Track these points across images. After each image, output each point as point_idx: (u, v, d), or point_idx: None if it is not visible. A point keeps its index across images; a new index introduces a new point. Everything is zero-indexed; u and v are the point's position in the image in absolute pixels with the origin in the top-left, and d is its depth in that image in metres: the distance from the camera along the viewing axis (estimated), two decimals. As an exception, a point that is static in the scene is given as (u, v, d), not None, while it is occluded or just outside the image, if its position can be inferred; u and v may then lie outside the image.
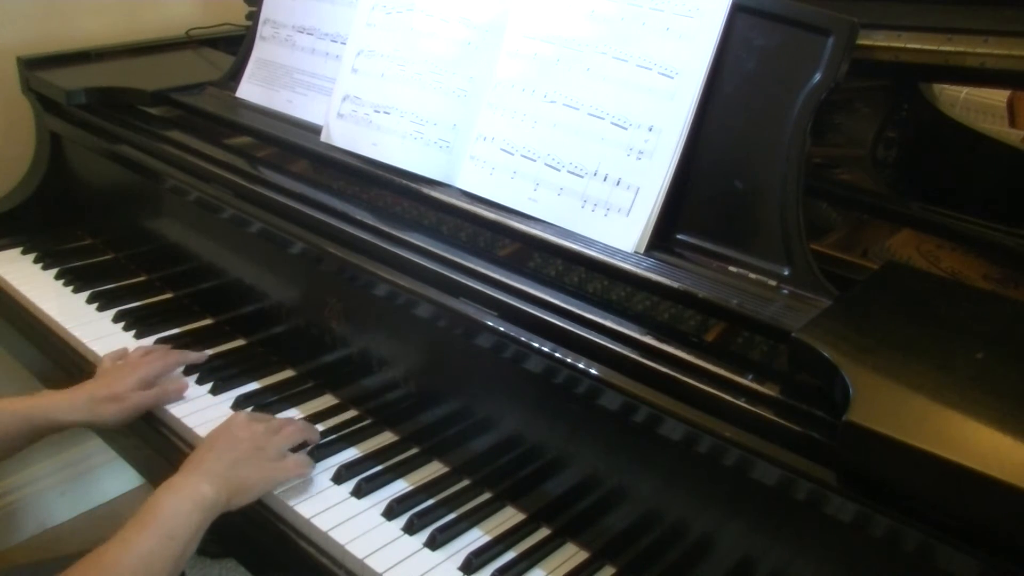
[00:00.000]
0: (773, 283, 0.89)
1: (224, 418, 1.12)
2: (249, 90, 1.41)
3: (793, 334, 0.76)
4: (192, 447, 1.11)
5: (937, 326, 0.79)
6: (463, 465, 1.05)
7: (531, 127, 1.03)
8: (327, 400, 1.18)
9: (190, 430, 1.11)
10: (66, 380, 1.32)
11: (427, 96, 1.13)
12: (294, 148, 1.26)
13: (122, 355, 1.22)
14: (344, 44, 1.25)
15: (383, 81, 1.17)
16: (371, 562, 0.91)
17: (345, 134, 1.20)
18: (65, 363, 1.32)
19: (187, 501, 0.90)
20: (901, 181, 1.21)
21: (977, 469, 0.61)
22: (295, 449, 1.05)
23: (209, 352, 1.26)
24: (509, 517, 0.99)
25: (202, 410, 1.15)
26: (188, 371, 1.22)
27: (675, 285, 0.88)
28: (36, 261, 1.50)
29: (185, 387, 1.17)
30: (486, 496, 1.02)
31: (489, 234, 1.05)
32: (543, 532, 0.97)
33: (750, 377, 0.79)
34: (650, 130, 0.95)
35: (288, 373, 1.24)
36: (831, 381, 0.71)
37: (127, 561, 0.84)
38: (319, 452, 1.06)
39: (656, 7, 0.96)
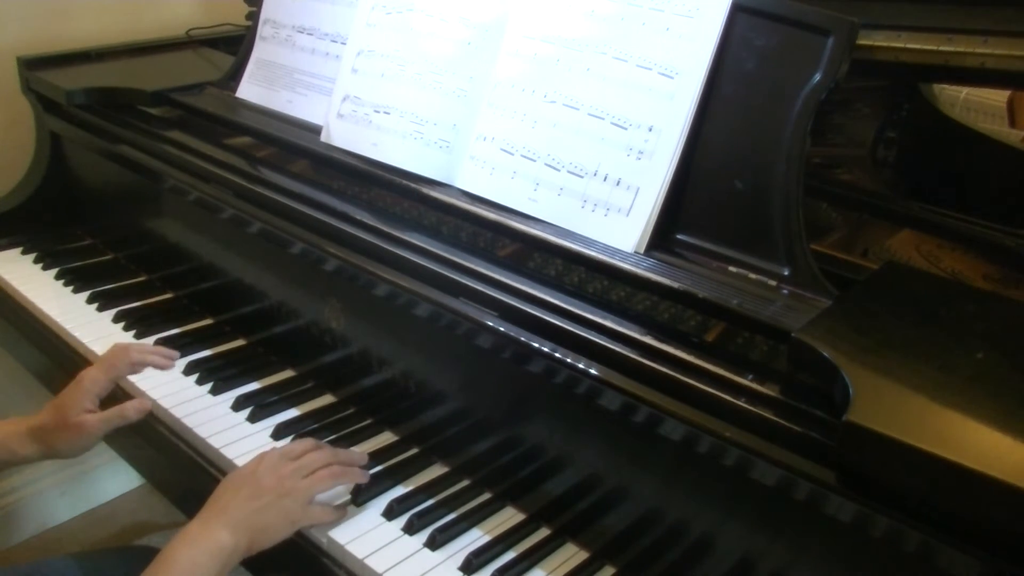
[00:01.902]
0: (773, 283, 0.89)
1: (222, 418, 1.13)
2: (249, 90, 1.41)
3: (793, 334, 0.76)
4: (192, 447, 1.11)
5: (937, 326, 0.79)
6: (463, 465, 1.05)
7: (531, 127, 1.03)
8: (327, 400, 1.18)
9: (190, 430, 1.11)
10: (66, 380, 1.32)
11: (427, 96, 1.13)
12: (294, 148, 1.26)
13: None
14: (344, 44, 1.25)
15: (383, 81, 1.17)
16: (371, 562, 0.91)
17: (345, 134, 1.20)
18: (65, 363, 1.32)
19: (205, 553, 0.85)
20: (901, 181, 1.21)
21: (977, 469, 0.61)
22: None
23: (190, 357, 1.23)
24: (509, 517, 0.99)
25: (202, 410, 1.14)
26: (188, 371, 1.22)
27: (675, 285, 0.88)
28: (36, 261, 1.50)
29: (147, 407, 1.08)
30: (486, 496, 1.02)
31: (489, 234, 1.05)
32: (543, 532, 0.97)
33: (750, 377, 0.79)
34: (650, 130, 0.95)
35: (288, 373, 1.24)
36: (831, 381, 0.71)
37: None
38: (319, 452, 1.06)
39: (656, 7, 0.96)
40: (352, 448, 1.08)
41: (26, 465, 1.87)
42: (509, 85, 1.05)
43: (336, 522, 0.96)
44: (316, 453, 0.98)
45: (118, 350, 1.11)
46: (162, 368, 1.13)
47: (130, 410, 1.06)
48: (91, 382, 1.06)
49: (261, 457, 0.96)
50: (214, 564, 0.85)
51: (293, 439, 1.09)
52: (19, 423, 1.06)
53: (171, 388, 1.18)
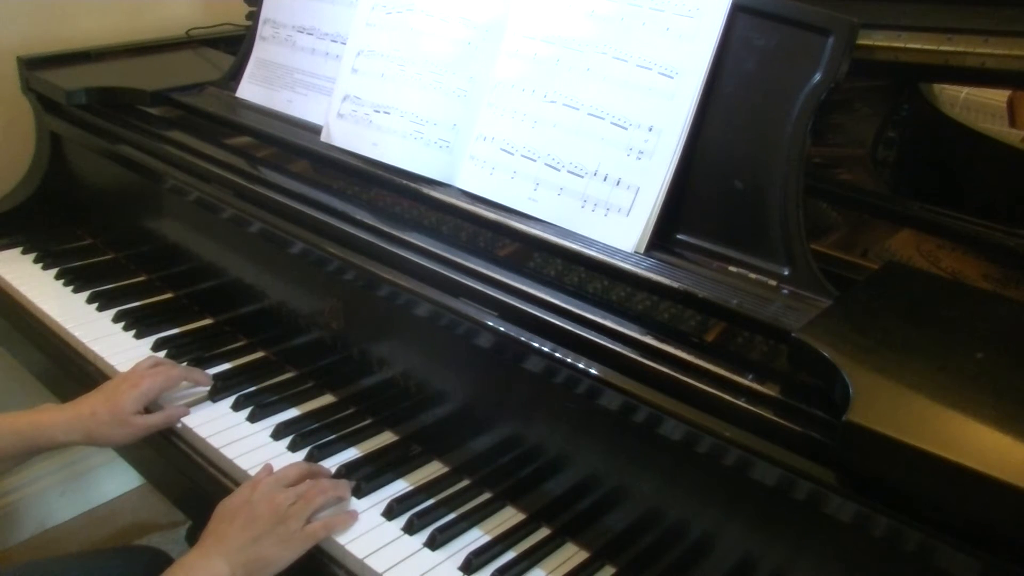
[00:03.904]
0: (773, 283, 0.89)
1: (222, 418, 1.13)
2: (249, 90, 1.41)
3: (793, 334, 0.76)
4: (192, 447, 1.11)
5: (937, 326, 0.79)
6: (463, 465, 1.05)
7: (531, 127, 1.03)
8: (327, 399, 1.18)
9: (190, 430, 1.11)
10: (66, 380, 1.32)
11: (427, 96, 1.13)
12: (294, 148, 1.26)
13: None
14: (344, 44, 1.25)
15: (383, 81, 1.17)
16: (371, 562, 0.91)
17: (345, 134, 1.20)
18: (65, 363, 1.32)
19: None
20: (901, 181, 1.21)
21: (977, 469, 0.61)
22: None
23: (189, 356, 1.25)
24: (509, 517, 0.99)
25: (202, 410, 1.15)
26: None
27: (675, 285, 0.88)
28: (36, 261, 1.50)
29: (186, 412, 1.13)
30: (486, 496, 1.02)
31: (489, 234, 1.05)
32: (543, 532, 0.97)
33: (750, 377, 0.79)
34: (650, 130, 0.95)
35: (288, 373, 1.23)
36: (831, 381, 0.71)
37: None
38: (319, 452, 1.06)
39: (656, 7, 0.96)
40: (351, 447, 1.09)
41: (26, 465, 1.89)
42: (509, 85, 1.05)
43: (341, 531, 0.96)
44: (311, 480, 0.99)
45: (175, 371, 1.16)
46: (201, 385, 1.18)
47: (175, 415, 1.12)
48: (149, 389, 1.11)
49: (255, 483, 0.96)
50: None
51: (293, 439, 1.09)
52: (62, 411, 1.09)
53: (171, 388, 1.18)
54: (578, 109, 1.00)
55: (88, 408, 1.09)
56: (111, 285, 1.43)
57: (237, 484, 1.04)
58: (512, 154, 1.04)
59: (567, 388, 0.88)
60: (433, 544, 0.94)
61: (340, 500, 0.99)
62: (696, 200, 0.95)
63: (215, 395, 1.17)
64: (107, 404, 1.09)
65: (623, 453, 0.89)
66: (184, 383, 1.18)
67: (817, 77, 0.87)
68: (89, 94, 1.46)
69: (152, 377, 1.12)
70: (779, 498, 0.75)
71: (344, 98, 1.21)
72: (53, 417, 1.08)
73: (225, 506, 0.94)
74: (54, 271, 1.47)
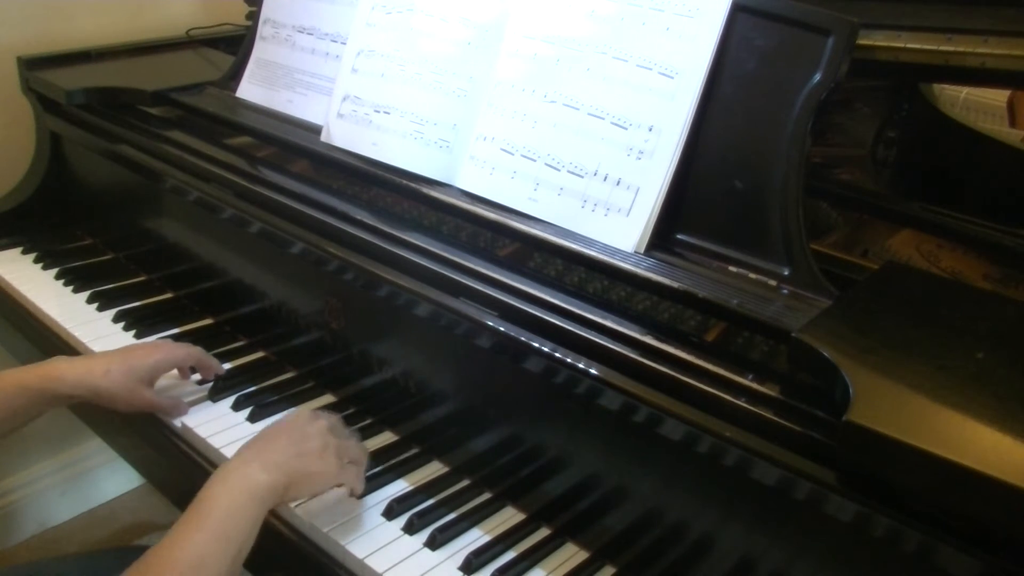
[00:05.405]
0: (773, 283, 0.89)
1: (222, 418, 1.13)
2: (249, 90, 1.41)
3: (793, 334, 0.76)
4: (192, 447, 1.11)
5: (937, 326, 0.79)
6: (463, 465, 1.05)
7: (531, 127, 1.03)
8: (327, 399, 1.18)
9: (190, 430, 1.11)
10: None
11: (427, 96, 1.13)
12: (294, 148, 1.26)
13: None
14: (344, 44, 1.25)
15: (383, 81, 1.17)
16: (371, 562, 0.91)
17: (345, 134, 1.20)
18: (65, 363, 1.32)
19: (243, 493, 0.84)
20: (901, 181, 1.21)
21: (977, 469, 0.61)
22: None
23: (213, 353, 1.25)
24: (509, 517, 0.99)
25: (202, 410, 1.15)
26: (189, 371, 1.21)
27: (675, 285, 0.89)
28: (36, 261, 1.50)
29: (187, 411, 1.13)
30: (486, 496, 1.02)
31: (489, 234, 1.05)
32: (543, 532, 0.97)
33: (750, 377, 0.79)
34: (650, 130, 0.95)
35: (288, 373, 1.24)
36: (831, 381, 0.71)
37: (178, 567, 0.77)
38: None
39: (656, 7, 0.96)
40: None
41: (26, 465, 1.88)
42: (509, 85, 1.05)
43: (356, 491, 0.97)
44: (358, 446, 0.99)
45: (193, 349, 1.17)
46: (211, 374, 1.20)
47: (177, 409, 1.13)
48: (166, 357, 1.13)
49: (301, 412, 0.97)
50: (252, 506, 0.84)
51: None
52: (72, 365, 1.08)
53: (171, 388, 1.18)
54: (578, 109, 1.00)
55: (102, 366, 1.08)
56: (111, 285, 1.43)
57: (237, 484, 1.04)
58: (512, 154, 1.04)
59: (567, 388, 0.88)
60: (433, 544, 0.94)
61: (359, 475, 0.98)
62: (696, 200, 0.95)
63: (215, 395, 1.17)
64: (123, 364, 1.08)
65: (623, 453, 0.89)
66: (189, 381, 1.18)
67: (817, 77, 0.87)
68: (89, 94, 1.45)
69: (169, 349, 1.14)
70: (779, 498, 0.75)
71: (344, 98, 1.21)
72: (63, 370, 1.07)
73: (270, 427, 0.95)
74: (54, 271, 1.47)
